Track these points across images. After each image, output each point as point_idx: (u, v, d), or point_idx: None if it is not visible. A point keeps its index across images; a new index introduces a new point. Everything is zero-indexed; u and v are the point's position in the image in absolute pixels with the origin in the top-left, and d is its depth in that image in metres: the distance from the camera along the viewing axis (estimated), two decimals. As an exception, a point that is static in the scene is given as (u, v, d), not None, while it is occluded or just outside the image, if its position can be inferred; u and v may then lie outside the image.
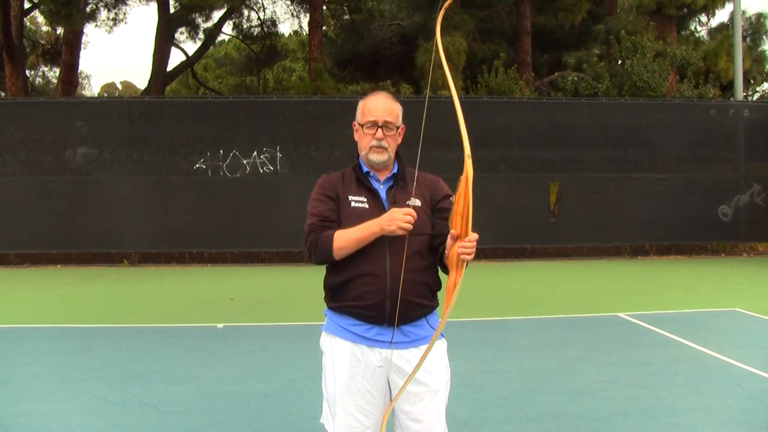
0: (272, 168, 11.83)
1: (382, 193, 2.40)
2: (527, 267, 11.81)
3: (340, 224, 2.35)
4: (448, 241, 2.21)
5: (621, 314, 7.32)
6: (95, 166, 11.85)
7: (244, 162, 11.75)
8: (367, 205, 2.36)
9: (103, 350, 5.84)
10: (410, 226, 2.21)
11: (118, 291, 9.37)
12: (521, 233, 12.33)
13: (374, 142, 2.37)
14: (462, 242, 2.16)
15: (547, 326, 6.92)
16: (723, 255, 13.23)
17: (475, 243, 2.17)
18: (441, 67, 2.41)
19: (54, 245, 11.69)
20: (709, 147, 12.84)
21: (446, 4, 2.37)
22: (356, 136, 2.46)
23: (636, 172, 12.49)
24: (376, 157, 2.38)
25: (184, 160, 11.81)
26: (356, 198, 2.37)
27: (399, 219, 2.21)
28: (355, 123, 2.44)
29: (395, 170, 2.44)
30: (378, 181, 2.42)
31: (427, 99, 2.54)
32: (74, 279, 10.42)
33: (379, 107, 2.39)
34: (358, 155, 2.46)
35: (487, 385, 4.79)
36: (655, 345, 6.03)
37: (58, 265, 11.69)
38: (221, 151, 11.73)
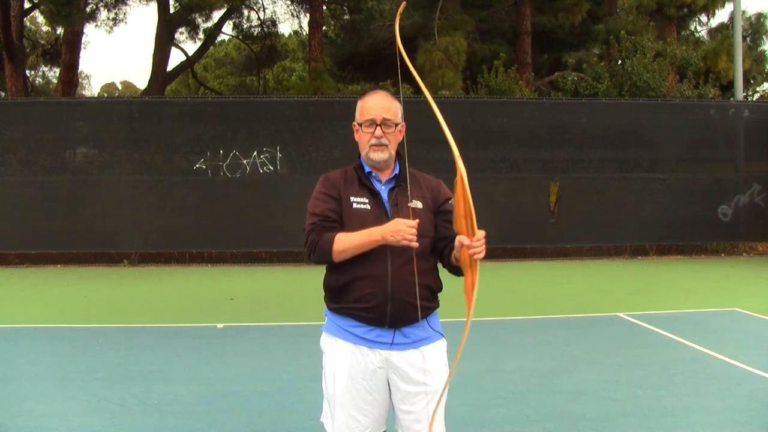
0: (272, 168, 11.83)
1: (384, 195, 2.39)
2: (527, 267, 11.80)
3: (342, 225, 2.34)
4: (456, 244, 2.21)
5: (621, 314, 7.32)
6: (95, 166, 11.85)
7: (244, 162, 11.74)
8: (368, 207, 2.35)
9: (103, 350, 5.84)
10: (414, 239, 2.20)
11: (118, 291, 9.36)
12: (521, 233, 12.31)
13: (374, 140, 2.37)
14: (471, 242, 2.16)
15: (547, 326, 6.93)
16: (723, 255, 13.22)
17: (483, 240, 2.18)
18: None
19: (54, 245, 11.68)
20: (709, 147, 12.82)
21: (400, 10, 2.40)
22: (356, 137, 2.45)
23: (636, 172, 12.49)
24: (377, 155, 2.38)
25: (184, 160, 11.81)
26: (358, 199, 2.37)
27: (404, 231, 2.19)
28: (355, 123, 2.44)
29: (397, 171, 2.44)
30: (380, 181, 2.42)
31: (401, 100, 2.52)
32: (74, 279, 10.42)
33: (377, 105, 2.38)
34: (360, 155, 2.46)
35: (487, 385, 4.79)
36: (655, 345, 6.03)
37: (58, 265, 11.69)
38: (221, 151, 11.72)
